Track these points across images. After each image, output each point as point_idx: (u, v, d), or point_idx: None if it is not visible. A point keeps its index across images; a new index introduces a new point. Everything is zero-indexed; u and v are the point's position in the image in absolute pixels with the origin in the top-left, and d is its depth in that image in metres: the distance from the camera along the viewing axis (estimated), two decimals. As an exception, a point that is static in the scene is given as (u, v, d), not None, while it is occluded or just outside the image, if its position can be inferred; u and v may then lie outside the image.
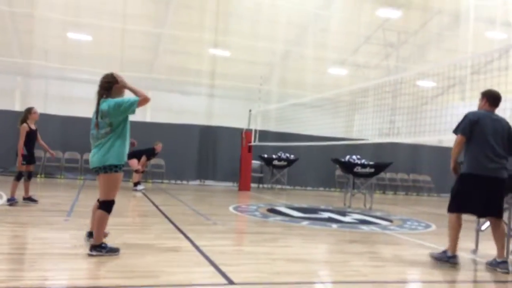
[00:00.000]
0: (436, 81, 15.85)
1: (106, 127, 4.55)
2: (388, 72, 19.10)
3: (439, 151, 18.12)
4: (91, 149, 4.73)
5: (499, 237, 4.97)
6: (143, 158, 11.78)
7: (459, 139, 5.01)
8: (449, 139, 5.76)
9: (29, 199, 7.86)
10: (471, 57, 10.01)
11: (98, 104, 4.58)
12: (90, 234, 4.87)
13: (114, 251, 4.50)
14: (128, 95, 4.67)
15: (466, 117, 5.04)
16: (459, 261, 4.92)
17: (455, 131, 5.08)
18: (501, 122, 5.07)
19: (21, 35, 16.36)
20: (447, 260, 4.93)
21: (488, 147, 4.91)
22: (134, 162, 11.51)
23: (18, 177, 7.59)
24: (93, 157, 4.63)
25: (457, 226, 5.00)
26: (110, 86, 4.61)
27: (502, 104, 5.31)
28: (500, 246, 4.93)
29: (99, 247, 4.44)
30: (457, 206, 5.03)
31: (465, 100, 15.11)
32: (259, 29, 17.52)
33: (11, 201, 7.44)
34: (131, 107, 4.47)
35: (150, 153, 12.02)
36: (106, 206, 4.55)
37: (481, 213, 5.14)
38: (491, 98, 5.12)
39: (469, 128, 4.94)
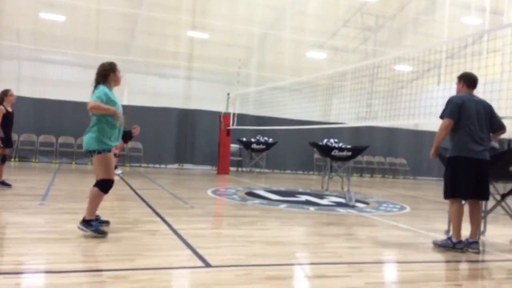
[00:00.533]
0: (413, 65, 16.04)
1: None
2: (366, 56, 19.21)
3: (415, 135, 18.46)
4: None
5: (477, 219, 5.10)
6: (120, 142, 11.61)
7: (447, 123, 4.98)
8: (425, 123, 5.86)
9: (2, 183, 7.70)
10: (446, 42, 10.13)
11: (94, 88, 4.75)
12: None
13: (100, 232, 4.54)
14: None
15: (451, 100, 5.04)
16: (464, 247, 4.95)
17: (442, 116, 5.06)
18: (483, 103, 5.12)
19: (-10, 15, 15.77)
20: (452, 246, 4.96)
21: (474, 130, 4.96)
22: None
23: (1, 161, 7.49)
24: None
25: (457, 211, 5.03)
26: (107, 74, 4.79)
27: (476, 88, 5.38)
28: (476, 227, 5.06)
29: (87, 223, 4.55)
30: (452, 191, 5.04)
31: (440, 84, 15.35)
32: (237, 12, 17.32)
33: (4, 184, 7.32)
34: (93, 99, 4.59)
35: (127, 136, 11.84)
36: (101, 184, 4.64)
37: (471, 196, 5.06)
38: (468, 80, 5.16)
39: (457, 111, 4.95)
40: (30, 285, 3.24)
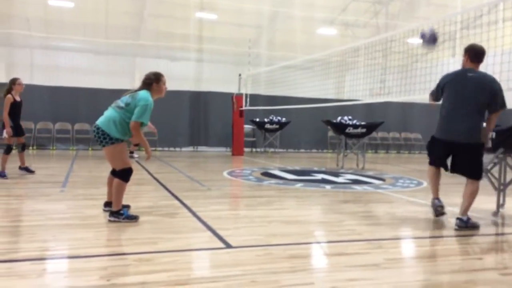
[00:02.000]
0: (426, 38, 15.70)
1: (124, 106, 4.71)
2: (378, 30, 18.87)
3: (430, 109, 18.18)
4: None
5: (464, 195, 4.90)
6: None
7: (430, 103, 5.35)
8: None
9: (25, 169, 7.89)
10: (460, 13, 9.88)
11: (136, 90, 4.86)
12: (106, 204, 5.05)
13: (132, 218, 4.66)
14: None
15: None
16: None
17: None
18: (479, 79, 4.78)
19: (0, 4, 15.82)
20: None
21: (450, 110, 4.90)
22: None
23: (7, 151, 7.51)
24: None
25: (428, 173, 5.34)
26: (150, 83, 4.88)
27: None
28: (463, 203, 4.87)
29: (116, 214, 4.65)
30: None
31: (455, 56, 15.04)
32: (246, -10, 17.11)
33: (1, 176, 7.40)
34: (137, 119, 4.61)
35: None
36: (121, 174, 4.72)
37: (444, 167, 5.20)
38: (472, 53, 4.88)
39: (436, 92, 5.17)
40: (57, 270, 3.33)
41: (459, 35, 14.89)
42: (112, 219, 4.64)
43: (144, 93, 4.73)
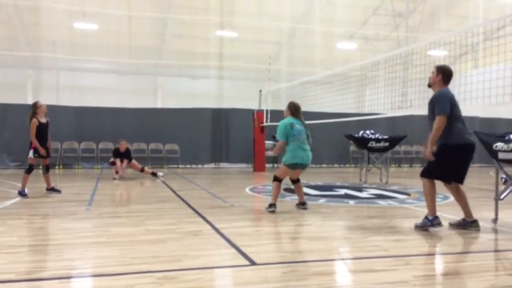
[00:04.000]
0: (448, 50, 15.56)
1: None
2: (398, 44, 18.79)
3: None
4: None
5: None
6: (124, 162, 11.24)
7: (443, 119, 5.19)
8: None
9: (52, 190, 8.05)
10: (483, 24, 9.77)
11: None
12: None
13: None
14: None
15: (446, 97, 5.23)
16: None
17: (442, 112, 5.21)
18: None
19: (28, 28, 16.38)
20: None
21: (462, 119, 5.46)
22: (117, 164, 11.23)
23: (28, 170, 7.67)
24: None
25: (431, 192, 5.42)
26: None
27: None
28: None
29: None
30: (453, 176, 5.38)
31: (478, 68, 14.82)
32: (265, 8, 17.31)
33: (22, 194, 7.56)
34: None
35: (116, 154, 11.34)
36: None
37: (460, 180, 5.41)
38: (446, 76, 5.33)
39: (450, 108, 5.25)
40: (85, 288, 3.36)
41: (481, 46, 14.70)
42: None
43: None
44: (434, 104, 5.29)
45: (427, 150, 5.26)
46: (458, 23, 17.75)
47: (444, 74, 5.30)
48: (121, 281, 3.41)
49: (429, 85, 5.54)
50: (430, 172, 5.31)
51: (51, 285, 3.29)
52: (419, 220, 5.49)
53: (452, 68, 5.47)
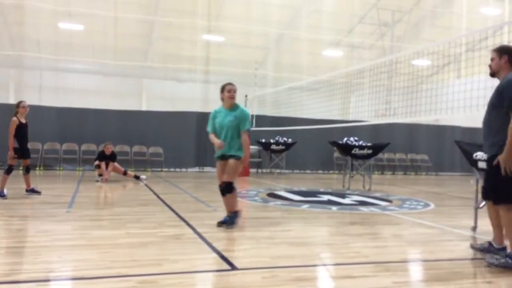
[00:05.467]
0: (432, 60, 15.83)
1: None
2: (384, 52, 19.04)
3: (436, 130, 18.18)
4: None
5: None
6: (110, 165, 11.15)
7: None
8: (446, 118, 5.75)
9: (32, 191, 7.91)
10: (465, 35, 9.98)
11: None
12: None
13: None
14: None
15: None
16: None
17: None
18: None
19: (12, 27, 16.17)
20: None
21: None
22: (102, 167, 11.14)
23: (7, 171, 7.54)
24: None
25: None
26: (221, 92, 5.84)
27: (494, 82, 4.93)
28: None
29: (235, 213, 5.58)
30: None
31: (460, 78, 15.10)
32: (252, 13, 17.38)
33: (1, 195, 7.41)
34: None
35: (101, 157, 11.22)
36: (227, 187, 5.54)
37: None
38: None
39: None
40: (62, 291, 3.31)
41: (464, 57, 14.97)
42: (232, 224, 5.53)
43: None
44: (502, 94, 4.06)
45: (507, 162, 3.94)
46: (442, 34, 18.08)
47: (510, 54, 4.25)
48: (100, 285, 3.36)
49: (492, 74, 4.40)
50: (509, 194, 4.05)
51: (27, 288, 3.22)
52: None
53: (436, 77, 5.45)
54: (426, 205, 8.47)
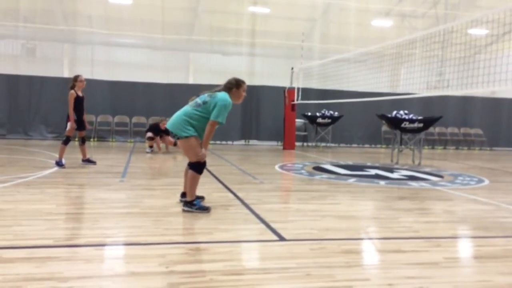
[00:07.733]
0: (490, 28, 14.92)
1: (201, 104, 4.89)
2: (437, 21, 18.13)
3: (492, 103, 17.34)
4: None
5: None
6: (152, 135, 11.55)
7: None
8: (503, 90, 5.46)
9: (87, 161, 8.31)
10: (529, 1, 9.29)
11: (215, 91, 5.02)
12: (182, 195, 5.22)
13: (204, 209, 4.82)
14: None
15: None
16: None
17: None
18: None
19: (65, 3, 16.63)
20: None
21: None
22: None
23: (65, 142, 7.92)
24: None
25: None
26: (230, 87, 5.07)
27: None
28: None
29: (190, 204, 4.82)
30: None
31: (521, 48, 14.16)
32: (298, -17, 16.96)
33: (59, 165, 7.81)
34: (215, 118, 4.78)
35: (156, 130, 11.55)
36: (194, 166, 4.85)
37: None
38: None
39: None
40: (118, 256, 3.48)
41: (526, 25, 14.00)
42: (186, 209, 4.81)
43: (223, 94, 4.91)
44: None
45: None
46: (501, 0, 16.94)
47: None
48: (154, 250, 3.51)
49: None
50: None
51: (86, 252, 3.42)
52: None
53: (494, 47, 5.17)
54: (480, 181, 8.17)
